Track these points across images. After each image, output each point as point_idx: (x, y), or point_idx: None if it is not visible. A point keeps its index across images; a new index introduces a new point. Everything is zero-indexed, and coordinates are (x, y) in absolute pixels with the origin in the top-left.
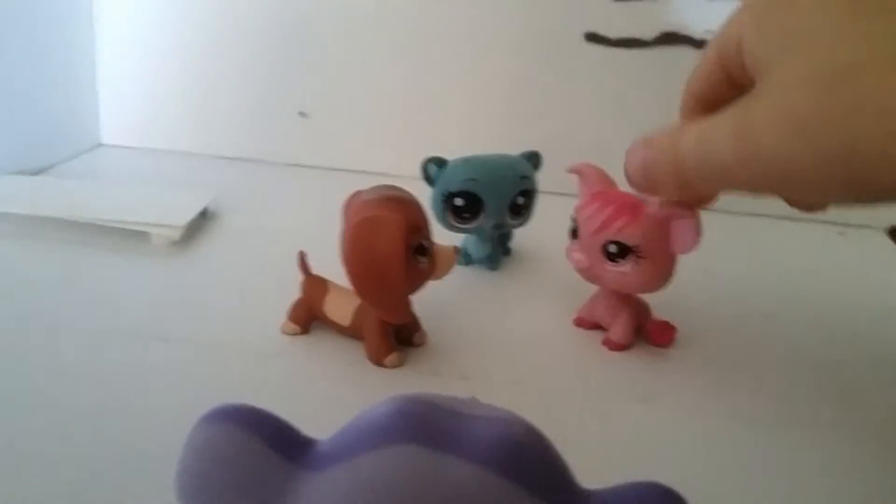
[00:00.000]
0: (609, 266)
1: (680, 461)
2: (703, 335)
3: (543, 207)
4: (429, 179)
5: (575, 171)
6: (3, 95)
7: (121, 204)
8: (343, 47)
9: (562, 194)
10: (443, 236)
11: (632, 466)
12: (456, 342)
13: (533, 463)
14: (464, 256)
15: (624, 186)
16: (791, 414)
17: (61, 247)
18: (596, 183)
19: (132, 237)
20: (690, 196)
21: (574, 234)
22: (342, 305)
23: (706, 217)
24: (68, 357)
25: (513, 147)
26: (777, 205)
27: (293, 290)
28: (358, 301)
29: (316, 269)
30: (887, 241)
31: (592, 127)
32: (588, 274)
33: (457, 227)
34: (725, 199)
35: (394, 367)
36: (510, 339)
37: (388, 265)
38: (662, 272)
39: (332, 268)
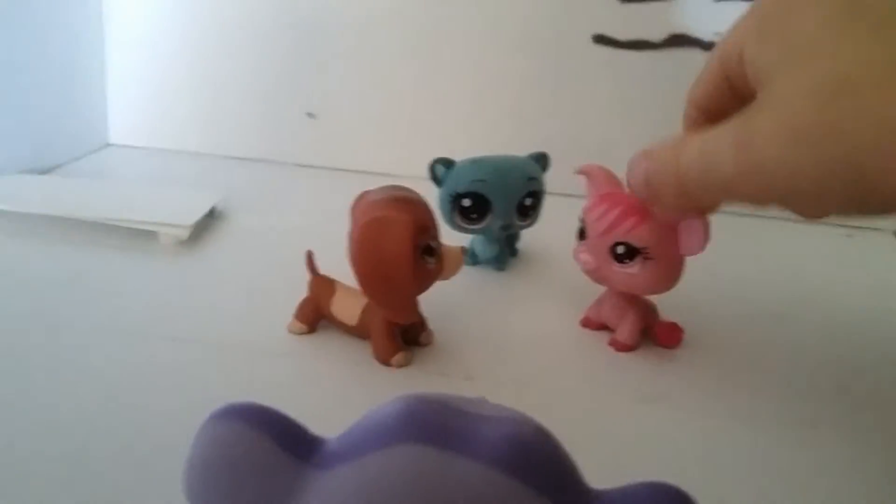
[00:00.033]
0: (617, 267)
1: (687, 462)
2: (710, 336)
3: (551, 208)
4: (436, 180)
5: (583, 172)
6: (13, 95)
7: (129, 203)
8: (351, 48)
9: (569, 195)
10: (450, 237)
11: (639, 467)
12: (463, 342)
13: (542, 463)
14: (471, 257)
15: None
16: (798, 415)
17: (69, 246)
18: (604, 184)
19: (140, 236)
20: (693, 207)
21: (582, 234)
22: (349, 305)
23: (714, 218)
24: (75, 356)
25: (521, 148)
26: None
27: (300, 290)
28: (365, 301)
29: (323, 269)
30: (895, 242)
31: (600, 128)
32: (596, 275)
33: (464, 228)
34: None
35: (400, 366)
36: (517, 339)
37: (396, 265)
38: (670, 274)
39: (340, 268)
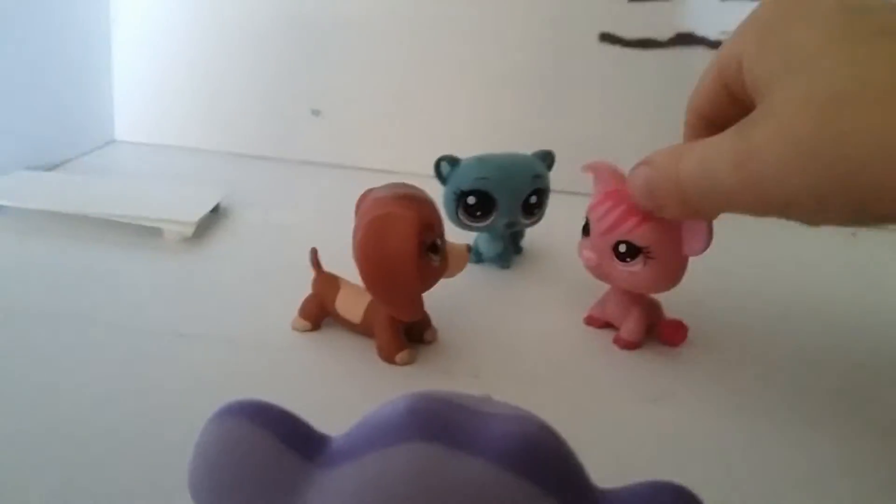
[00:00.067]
0: (619, 265)
1: (692, 460)
2: (714, 334)
3: (556, 206)
4: (441, 177)
5: (589, 168)
6: (20, 92)
7: (134, 200)
8: (357, 45)
9: (575, 193)
10: (454, 235)
11: (643, 465)
12: (467, 340)
13: (548, 461)
14: (475, 255)
15: None
16: (802, 413)
17: (74, 242)
18: (610, 181)
19: (145, 233)
20: (694, 215)
21: (586, 231)
22: (353, 303)
23: (719, 216)
24: (79, 352)
25: (526, 146)
26: None
27: (305, 287)
28: (369, 298)
29: (328, 266)
30: None
31: (606, 127)
32: (598, 272)
33: (469, 226)
34: None
35: (404, 364)
36: (521, 337)
37: (401, 263)
38: (672, 273)
39: (344, 265)
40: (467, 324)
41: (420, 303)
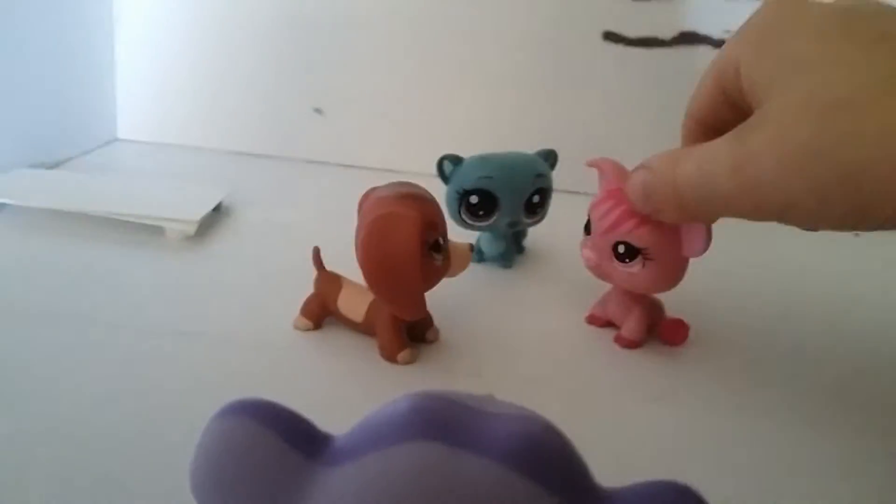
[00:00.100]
0: (618, 265)
1: (693, 459)
2: (716, 334)
3: (558, 206)
4: (444, 177)
5: (593, 165)
6: (23, 90)
7: (136, 198)
8: (359, 44)
9: (577, 193)
10: (457, 234)
11: (645, 464)
12: (469, 339)
13: (552, 461)
14: (477, 254)
15: None
16: (802, 413)
17: (76, 240)
18: (614, 179)
19: (147, 231)
20: (692, 219)
21: (588, 229)
22: (356, 302)
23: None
24: (82, 350)
25: (529, 145)
26: None
27: (307, 286)
28: (371, 297)
29: (330, 265)
30: None
31: (609, 126)
32: (597, 271)
33: (471, 225)
34: None
35: (406, 363)
36: (523, 336)
37: (404, 262)
38: (671, 275)
39: (347, 264)
40: (469, 323)
41: (423, 302)
